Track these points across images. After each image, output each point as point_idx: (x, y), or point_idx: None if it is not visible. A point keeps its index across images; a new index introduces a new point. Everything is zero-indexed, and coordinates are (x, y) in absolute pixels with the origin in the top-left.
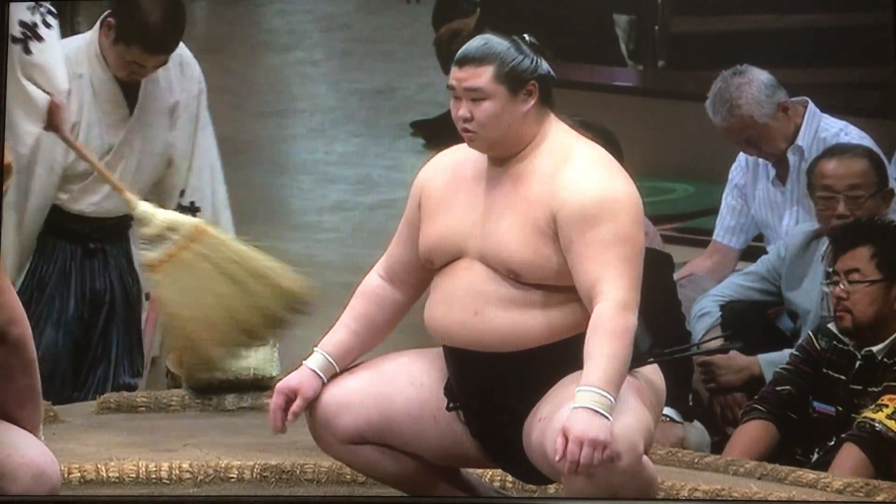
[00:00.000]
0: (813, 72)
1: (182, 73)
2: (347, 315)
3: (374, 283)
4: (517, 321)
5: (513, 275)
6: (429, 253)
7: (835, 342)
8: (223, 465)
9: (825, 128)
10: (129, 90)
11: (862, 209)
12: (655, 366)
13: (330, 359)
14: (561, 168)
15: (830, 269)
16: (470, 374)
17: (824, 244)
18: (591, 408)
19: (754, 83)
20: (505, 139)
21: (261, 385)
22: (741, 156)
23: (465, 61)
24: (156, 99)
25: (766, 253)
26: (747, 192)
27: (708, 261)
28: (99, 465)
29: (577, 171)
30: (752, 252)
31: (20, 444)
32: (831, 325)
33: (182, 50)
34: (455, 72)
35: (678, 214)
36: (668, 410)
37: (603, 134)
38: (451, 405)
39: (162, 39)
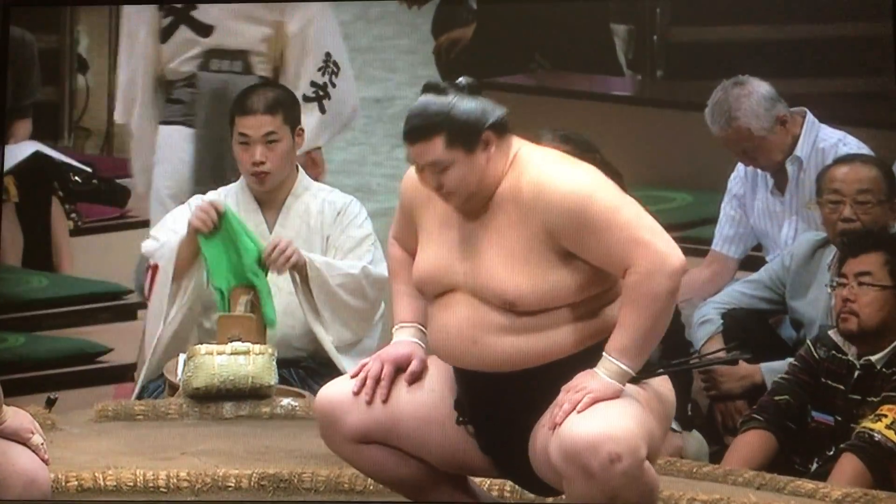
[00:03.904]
0: (812, 82)
1: None
2: (399, 285)
3: (397, 252)
4: (517, 346)
5: (508, 305)
6: (420, 284)
7: (833, 351)
8: (221, 474)
9: (823, 138)
10: None
11: (868, 215)
12: (665, 377)
13: (418, 326)
14: (527, 183)
15: (837, 275)
16: (477, 392)
17: (830, 253)
18: (596, 371)
19: (753, 95)
20: (478, 192)
21: (259, 394)
22: (740, 166)
23: (414, 138)
24: None
25: (764, 262)
26: (746, 202)
27: (706, 270)
28: (96, 474)
29: (539, 178)
30: (750, 262)
31: (11, 452)
32: (832, 334)
33: None
34: (408, 147)
35: (676, 224)
36: None
37: (584, 146)
38: (460, 419)
39: None
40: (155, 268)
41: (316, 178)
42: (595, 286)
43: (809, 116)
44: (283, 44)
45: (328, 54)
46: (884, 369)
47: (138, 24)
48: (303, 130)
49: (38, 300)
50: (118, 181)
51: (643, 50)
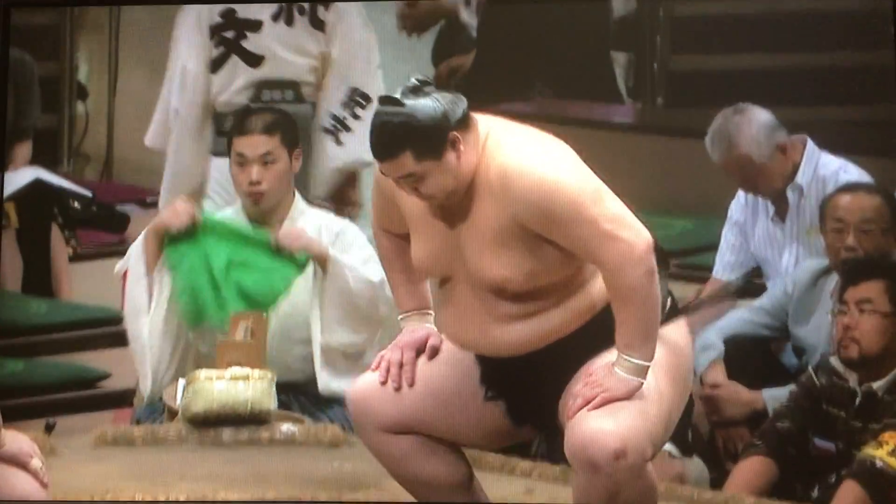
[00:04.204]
0: (812, 110)
1: None
2: (396, 274)
3: (386, 241)
4: (524, 330)
5: (499, 291)
6: (425, 271)
7: (835, 378)
8: (220, 499)
9: (824, 165)
10: None
11: (871, 243)
12: (678, 324)
13: (423, 311)
14: (496, 169)
15: (839, 302)
16: (497, 372)
17: (832, 281)
18: (615, 369)
19: (754, 123)
20: (458, 186)
21: (258, 419)
22: (740, 193)
23: (382, 157)
24: None
25: (765, 289)
26: (747, 230)
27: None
28: (96, 498)
29: (506, 164)
30: (751, 289)
31: (10, 476)
32: (833, 360)
33: None
34: (381, 166)
35: (677, 250)
36: (667, 446)
37: None
38: (489, 394)
39: None
40: (125, 275)
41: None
42: (577, 259)
43: (810, 144)
44: (327, 71)
45: (354, 90)
46: (885, 396)
47: (189, 55)
48: (301, 153)
49: (37, 326)
50: (117, 207)
51: (644, 78)
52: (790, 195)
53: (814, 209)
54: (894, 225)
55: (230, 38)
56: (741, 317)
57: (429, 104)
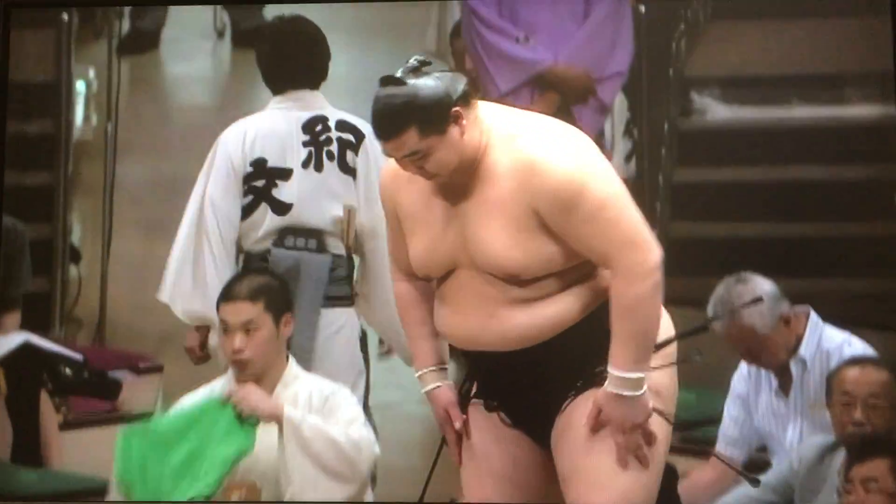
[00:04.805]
0: (816, 281)
1: None
2: (414, 327)
3: (404, 289)
4: (534, 315)
5: (511, 277)
6: (423, 269)
7: None
8: None
9: (828, 338)
10: None
11: (879, 419)
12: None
13: (441, 367)
14: (516, 157)
15: (845, 480)
16: (498, 370)
17: (840, 457)
18: (618, 391)
19: (757, 293)
20: (461, 165)
21: None
22: (743, 365)
23: (386, 136)
24: None
25: (769, 465)
26: (750, 403)
27: (710, 472)
28: None
29: (533, 155)
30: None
31: None
32: None
33: None
34: (383, 146)
35: (680, 423)
36: None
37: None
38: (491, 405)
39: None
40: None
41: None
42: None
43: (813, 316)
44: (352, 228)
45: None
46: None
47: (223, 200)
48: (291, 319)
49: (27, 496)
50: (109, 374)
51: None
52: (794, 368)
53: (818, 383)
54: None
55: (260, 187)
56: (746, 493)
57: (430, 82)
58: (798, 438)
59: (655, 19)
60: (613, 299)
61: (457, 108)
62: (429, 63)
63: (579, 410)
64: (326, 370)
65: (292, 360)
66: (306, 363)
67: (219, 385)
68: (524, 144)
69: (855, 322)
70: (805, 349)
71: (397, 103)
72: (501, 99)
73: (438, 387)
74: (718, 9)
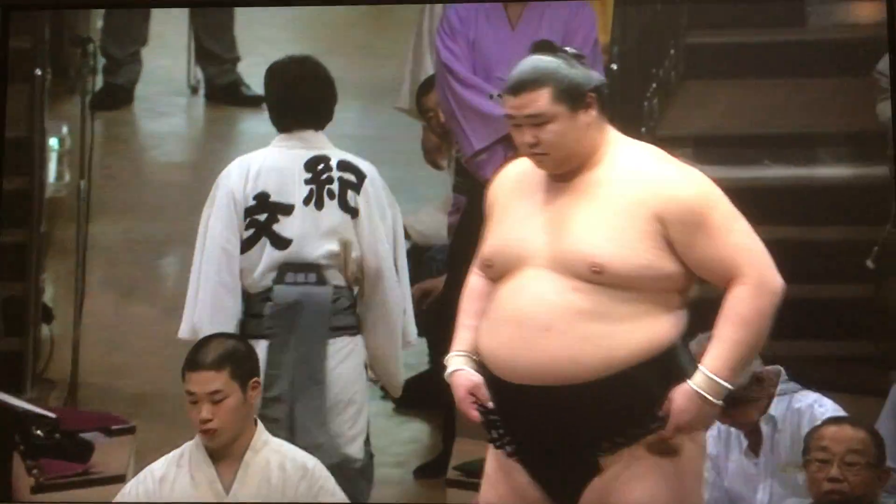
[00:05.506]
0: (789, 344)
1: None
2: (466, 316)
3: (476, 283)
4: (594, 334)
5: (596, 268)
6: (490, 258)
7: None
8: None
9: (799, 399)
10: None
11: (857, 477)
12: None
13: (470, 356)
14: (645, 168)
15: None
16: (531, 409)
17: None
18: (701, 392)
19: None
20: (573, 155)
21: None
22: (714, 425)
23: (520, 88)
24: None
25: None
26: (720, 464)
27: None
28: None
29: (664, 169)
30: None
31: None
32: None
33: None
34: (511, 100)
35: None
36: None
37: None
38: (499, 442)
39: None
40: None
41: None
42: (677, 280)
43: (784, 375)
44: (350, 259)
45: None
46: None
47: (224, 237)
48: (258, 384)
49: None
50: (81, 436)
51: None
52: (764, 428)
53: (787, 443)
54: (880, 462)
55: (262, 221)
56: None
57: (577, 66)
58: (768, 500)
59: (628, 79)
60: (730, 307)
61: (592, 96)
62: (583, 57)
63: (636, 489)
64: (337, 396)
65: (261, 426)
66: (319, 394)
67: (187, 449)
68: (654, 159)
69: (824, 385)
70: (776, 409)
71: (542, 65)
72: (475, 156)
73: (462, 369)
74: (690, 68)
